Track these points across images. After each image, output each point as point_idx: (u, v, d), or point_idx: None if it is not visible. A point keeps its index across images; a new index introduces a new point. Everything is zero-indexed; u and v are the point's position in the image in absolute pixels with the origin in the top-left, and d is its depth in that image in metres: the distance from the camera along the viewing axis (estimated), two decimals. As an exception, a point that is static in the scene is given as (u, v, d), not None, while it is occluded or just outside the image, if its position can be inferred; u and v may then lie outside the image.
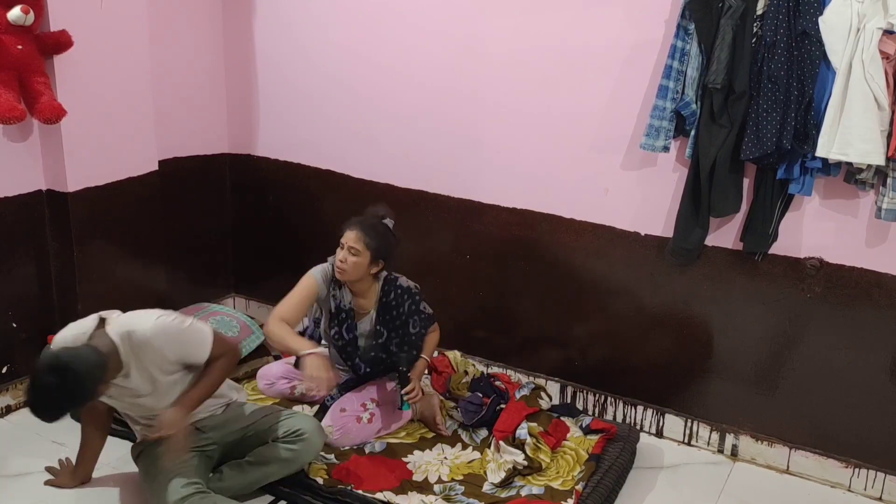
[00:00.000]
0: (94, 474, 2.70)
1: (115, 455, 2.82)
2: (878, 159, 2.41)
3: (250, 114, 3.76)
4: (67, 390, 2.16)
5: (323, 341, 3.10)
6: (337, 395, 3.00)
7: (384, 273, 2.94)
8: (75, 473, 2.68)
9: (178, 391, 2.49)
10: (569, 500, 2.64)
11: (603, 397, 3.22)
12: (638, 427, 3.15)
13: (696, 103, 2.71)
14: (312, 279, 2.91)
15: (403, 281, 2.97)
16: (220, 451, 2.66)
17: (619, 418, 3.20)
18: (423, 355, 3.02)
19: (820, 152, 2.47)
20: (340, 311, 2.93)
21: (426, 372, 3.16)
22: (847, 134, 2.42)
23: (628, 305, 3.09)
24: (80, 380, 2.17)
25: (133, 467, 2.70)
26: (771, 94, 2.53)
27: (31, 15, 2.75)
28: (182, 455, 2.44)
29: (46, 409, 2.20)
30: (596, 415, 3.22)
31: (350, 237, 2.80)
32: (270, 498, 2.67)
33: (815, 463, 2.91)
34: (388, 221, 2.92)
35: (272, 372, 3.20)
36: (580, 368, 3.25)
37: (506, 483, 2.71)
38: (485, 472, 2.79)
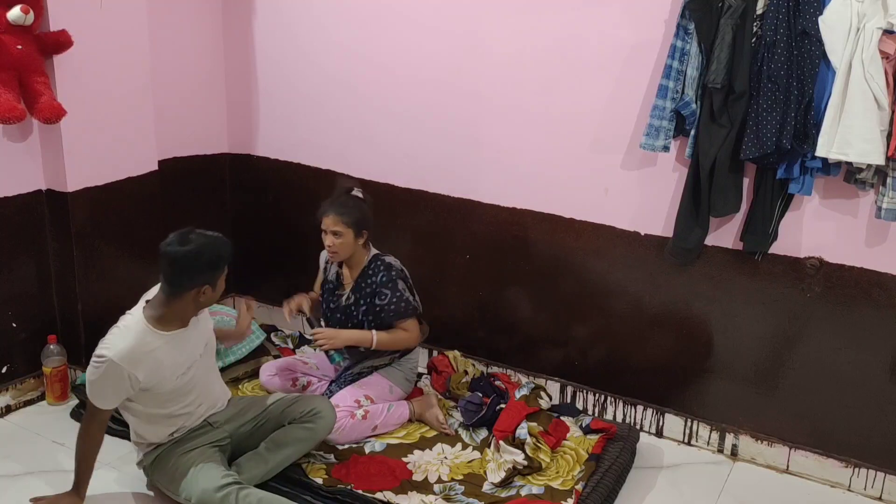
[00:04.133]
0: (94, 475, 2.69)
1: (116, 455, 2.83)
2: (878, 159, 2.41)
3: (250, 114, 3.76)
4: (210, 241, 2.48)
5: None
6: (336, 389, 3.03)
7: (375, 251, 3.05)
8: (80, 492, 2.54)
9: (212, 365, 2.69)
10: (569, 499, 2.64)
11: (603, 397, 3.22)
12: (638, 427, 3.15)
13: (696, 103, 2.71)
14: (318, 264, 3.22)
15: (391, 259, 3.06)
16: (231, 444, 2.67)
17: (619, 418, 3.20)
18: (374, 331, 2.96)
19: (820, 152, 2.47)
20: (327, 282, 3.16)
21: (426, 375, 3.14)
22: (847, 133, 2.42)
23: (628, 305, 3.09)
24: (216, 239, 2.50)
25: (133, 468, 2.70)
26: (771, 93, 2.53)
27: (31, 15, 2.75)
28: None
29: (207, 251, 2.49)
30: (596, 414, 3.22)
31: (329, 222, 2.92)
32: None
33: (815, 463, 2.91)
34: (357, 192, 3.02)
35: (275, 364, 3.24)
36: (580, 368, 3.24)
37: (506, 483, 2.71)
38: (485, 472, 2.78)
